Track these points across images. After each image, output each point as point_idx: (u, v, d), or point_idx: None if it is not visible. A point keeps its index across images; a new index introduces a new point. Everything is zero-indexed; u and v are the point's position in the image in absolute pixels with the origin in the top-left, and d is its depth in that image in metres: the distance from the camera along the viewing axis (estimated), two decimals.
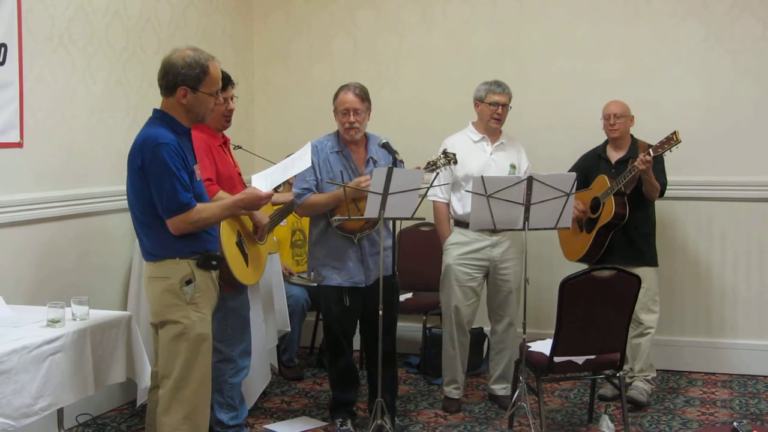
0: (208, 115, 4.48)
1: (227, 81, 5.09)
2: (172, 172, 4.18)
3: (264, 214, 5.27)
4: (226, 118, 5.19)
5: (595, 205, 6.14)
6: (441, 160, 5.56)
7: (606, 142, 6.33)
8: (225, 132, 5.31)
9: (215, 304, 4.56)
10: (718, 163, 6.89)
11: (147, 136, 4.27)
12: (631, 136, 6.28)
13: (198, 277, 4.36)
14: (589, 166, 6.32)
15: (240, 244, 5.06)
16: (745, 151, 6.87)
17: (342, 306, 5.46)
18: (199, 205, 4.31)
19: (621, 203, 6.01)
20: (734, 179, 6.89)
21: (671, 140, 5.73)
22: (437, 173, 5.59)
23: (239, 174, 5.28)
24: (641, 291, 5.87)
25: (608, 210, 6.00)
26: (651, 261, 6.24)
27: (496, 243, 6.04)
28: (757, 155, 6.86)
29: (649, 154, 5.79)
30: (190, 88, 4.29)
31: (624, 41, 7.10)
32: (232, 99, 5.17)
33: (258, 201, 4.60)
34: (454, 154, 5.61)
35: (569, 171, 6.23)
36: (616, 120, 6.17)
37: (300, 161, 4.90)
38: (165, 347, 4.43)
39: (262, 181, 4.67)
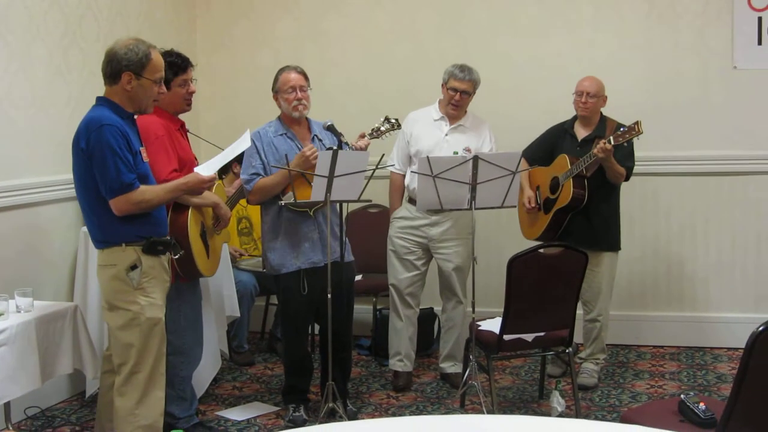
0: (150, 105, 4.49)
1: (187, 63, 5.09)
2: (115, 152, 4.20)
3: (228, 208, 5.25)
4: (187, 101, 5.14)
5: (555, 185, 6.06)
6: (384, 125, 5.58)
7: (575, 118, 6.22)
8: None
9: (167, 288, 4.55)
10: (663, 138, 6.93)
11: (91, 119, 4.29)
12: (601, 113, 6.17)
13: (145, 262, 4.36)
14: (555, 141, 6.23)
15: (203, 236, 5.03)
16: (688, 126, 6.94)
17: (300, 293, 5.43)
18: (143, 187, 4.31)
19: (580, 186, 5.90)
20: (679, 154, 6.97)
21: (632, 130, 5.62)
22: (383, 154, 5.59)
23: (195, 159, 5.23)
24: (598, 275, 5.93)
25: (566, 193, 5.93)
26: (611, 246, 6.17)
27: (435, 223, 6.07)
28: (699, 130, 6.93)
29: (609, 142, 5.69)
30: (135, 74, 4.31)
31: (567, 18, 7.12)
32: (192, 81, 5.13)
33: (201, 184, 4.62)
34: (397, 119, 5.62)
35: (534, 143, 6.29)
36: (588, 99, 6.02)
37: (239, 145, 4.90)
38: (116, 334, 4.43)
39: (205, 170, 4.68)
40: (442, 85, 6.10)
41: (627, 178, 6.06)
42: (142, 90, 4.36)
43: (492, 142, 6.15)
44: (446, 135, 6.10)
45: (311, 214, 5.39)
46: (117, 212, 4.27)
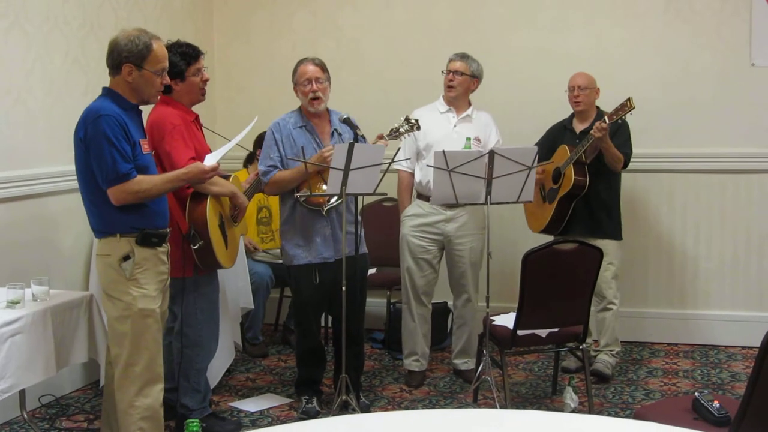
0: (154, 95, 4.49)
1: (197, 51, 5.09)
2: (111, 142, 4.21)
3: (245, 198, 5.25)
4: (202, 90, 5.14)
5: (557, 175, 6.13)
6: (404, 126, 5.56)
7: (573, 115, 6.30)
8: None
9: (164, 280, 4.55)
10: (678, 135, 6.93)
11: (90, 110, 4.32)
12: (597, 107, 6.24)
13: (138, 254, 4.35)
14: (555, 138, 6.31)
15: (222, 227, 5.04)
16: (704, 123, 6.91)
17: (312, 284, 5.45)
18: (140, 177, 4.31)
19: (581, 173, 5.98)
20: (694, 151, 6.93)
21: (625, 106, 5.69)
22: (398, 148, 5.59)
23: (210, 151, 5.23)
24: (604, 265, 5.92)
25: (567, 180, 6.00)
26: (613, 234, 6.23)
27: (451, 218, 6.06)
28: (715, 127, 6.90)
29: (604, 121, 5.77)
30: (135, 66, 4.32)
31: (585, 14, 7.10)
32: (204, 69, 5.13)
33: (202, 174, 4.59)
34: (417, 120, 5.61)
35: (537, 143, 6.25)
36: (580, 92, 6.12)
37: (243, 133, 4.90)
38: (112, 324, 4.45)
39: (212, 159, 4.67)
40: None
41: (625, 165, 6.11)
42: (144, 81, 4.36)
43: (498, 134, 6.19)
44: (455, 126, 6.10)
45: (324, 213, 5.39)
46: (115, 202, 4.28)
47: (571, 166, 5.97)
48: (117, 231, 4.34)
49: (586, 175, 6.00)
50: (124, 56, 4.30)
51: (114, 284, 4.37)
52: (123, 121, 4.27)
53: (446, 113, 6.14)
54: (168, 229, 4.56)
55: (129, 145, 4.28)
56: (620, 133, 5.98)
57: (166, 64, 4.47)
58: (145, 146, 4.44)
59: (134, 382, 4.40)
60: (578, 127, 6.23)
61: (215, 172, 4.66)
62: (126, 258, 4.33)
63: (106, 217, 4.34)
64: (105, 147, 4.21)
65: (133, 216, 4.35)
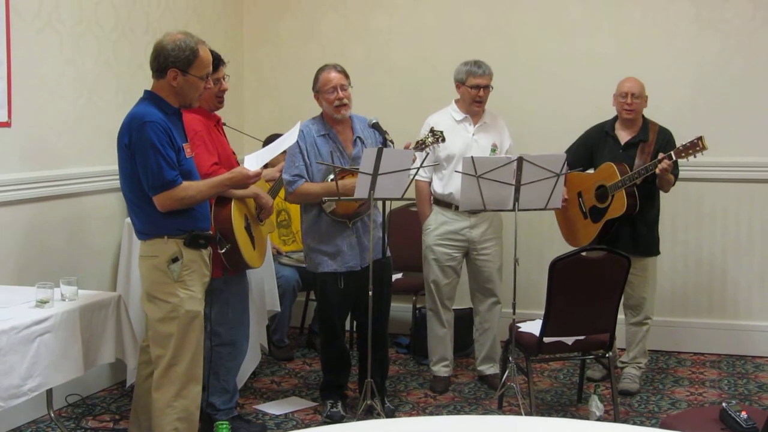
0: (196, 100, 4.51)
1: (218, 61, 5.06)
2: (157, 149, 4.22)
3: (269, 197, 5.27)
4: (219, 99, 5.14)
5: (602, 194, 5.94)
6: (429, 138, 5.55)
7: (615, 119, 6.13)
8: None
9: (207, 282, 4.56)
10: (708, 143, 6.87)
11: (134, 115, 4.32)
12: (643, 116, 6.10)
13: (186, 255, 4.38)
14: (595, 143, 6.14)
15: (248, 228, 5.05)
16: (733, 132, 6.85)
17: (337, 290, 5.46)
18: (185, 183, 4.34)
19: (632, 195, 5.80)
20: (723, 160, 6.86)
21: (696, 146, 5.54)
22: (427, 153, 5.58)
23: (234, 153, 5.25)
24: (644, 280, 5.89)
25: (619, 204, 5.82)
26: (655, 251, 6.13)
27: (475, 225, 6.05)
28: (745, 136, 6.85)
29: (670, 157, 5.61)
30: (181, 71, 4.32)
31: (615, 21, 7.08)
32: (224, 79, 5.13)
33: (246, 179, 4.62)
34: (442, 132, 5.59)
35: (572, 146, 6.20)
36: (634, 100, 5.95)
37: (288, 139, 4.93)
38: (155, 326, 4.46)
39: (253, 162, 4.69)
40: (458, 85, 6.07)
41: (673, 184, 6.02)
42: (188, 86, 4.38)
43: (509, 138, 6.18)
44: (473, 135, 6.07)
45: (350, 225, 5.41)
46: (160, 208, 4.30)
47: (623, 190, 5.82)
48: (164, 233, 4.37)
49: (636, 196, 5.83)
50: (171, 61, 4.31)
51: (159, 286, 4.40)
52: (167, 127, 4.30)
53: (462, 122, 6.09)
54: (211, 232, 4.58)
55: (174, 151, 4.30)
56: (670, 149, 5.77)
57: (211, 69, 4.49)
58: (188, 150, 4.46)
59: (174, 382, 4.42)
60: (623, 135, 6.05)
61: (258, 177, 4.68)
62: (175, 260, 4.36)
63: (153, 220, 4.37)
64: (150, 154, 4.22)
65: (180, 218, 4.38)
